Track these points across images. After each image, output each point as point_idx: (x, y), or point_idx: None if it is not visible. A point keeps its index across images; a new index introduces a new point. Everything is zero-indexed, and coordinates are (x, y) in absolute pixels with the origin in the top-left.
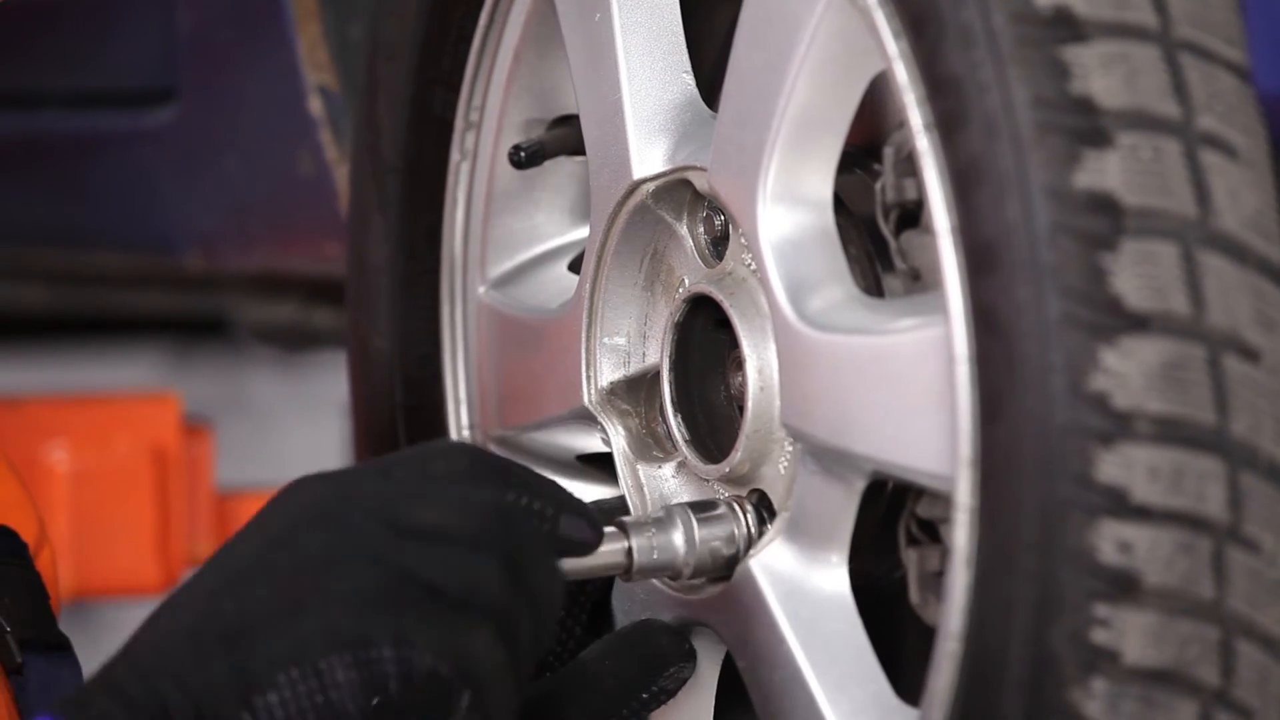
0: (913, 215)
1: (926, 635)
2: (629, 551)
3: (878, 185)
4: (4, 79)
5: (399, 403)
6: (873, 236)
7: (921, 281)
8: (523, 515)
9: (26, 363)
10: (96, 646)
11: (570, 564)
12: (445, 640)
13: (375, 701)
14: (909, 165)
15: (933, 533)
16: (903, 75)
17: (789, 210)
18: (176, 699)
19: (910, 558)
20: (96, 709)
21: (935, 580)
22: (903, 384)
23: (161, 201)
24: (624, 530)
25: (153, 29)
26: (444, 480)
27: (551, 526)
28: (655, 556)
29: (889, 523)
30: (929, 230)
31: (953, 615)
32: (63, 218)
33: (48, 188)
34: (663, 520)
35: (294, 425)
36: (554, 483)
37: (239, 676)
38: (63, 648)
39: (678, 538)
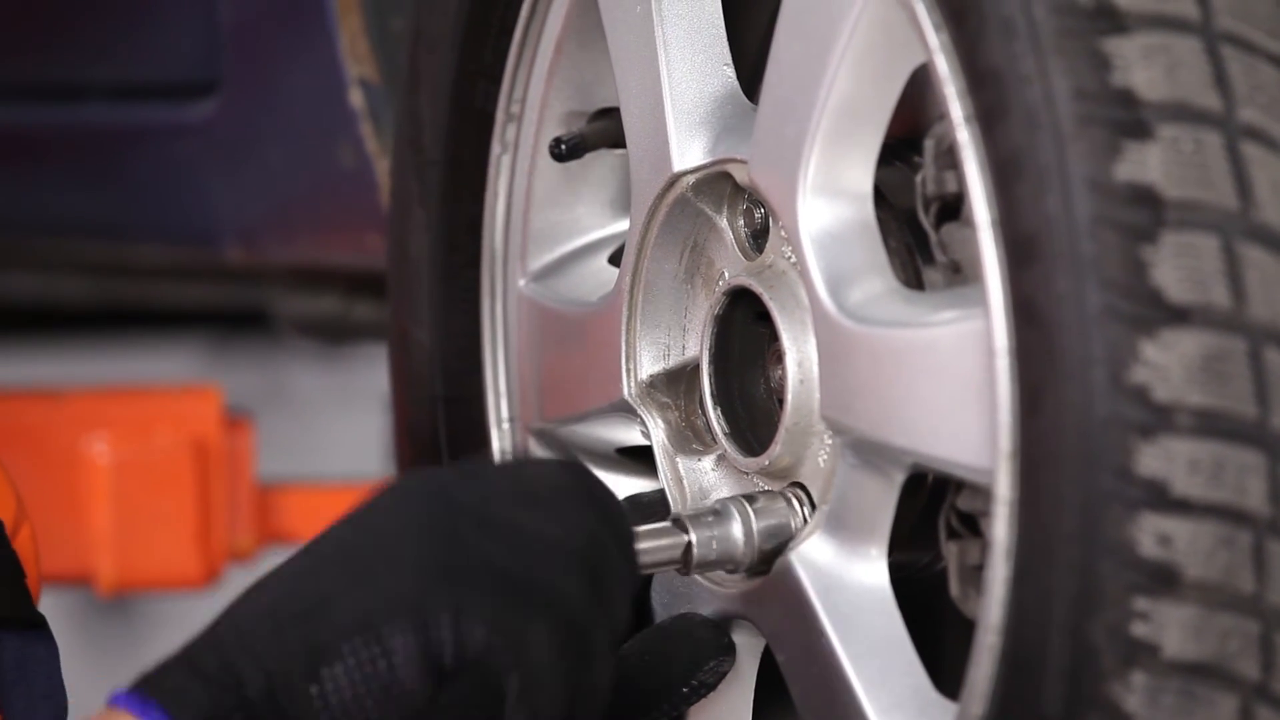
0: (953, 208)
1: (966, 629)
2: (689, 546)
3: (918, 178)
4: (47, 71)
5: (439, 395)
6: (913, 229)
7: (962, 274)
8: (610, 542)
9: (67, 355)
10: (137, 638)
11: None
12: (503, 620)
13: (434, 679)
14: (949, 158)
15: (973, 526)
16: (944, 67)
17: (829, 203)
18: (250, 673)
19: (950, 551)
20: (172, 682)
21: (975, 574)
22: (943, 377)
23: (203, 194)
24: (683, 525)
25: (195, 21)
26: (542, 492)
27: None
28: (714, 549)
29: (929, 516)
30: (969, 223)
31: (992, 608)
32: (104, 210)
33: (89, 180)
34: (721, 513)
35: (335, 418)
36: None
37: (308, 649)
38: (38, 625)
39: (736, 530)
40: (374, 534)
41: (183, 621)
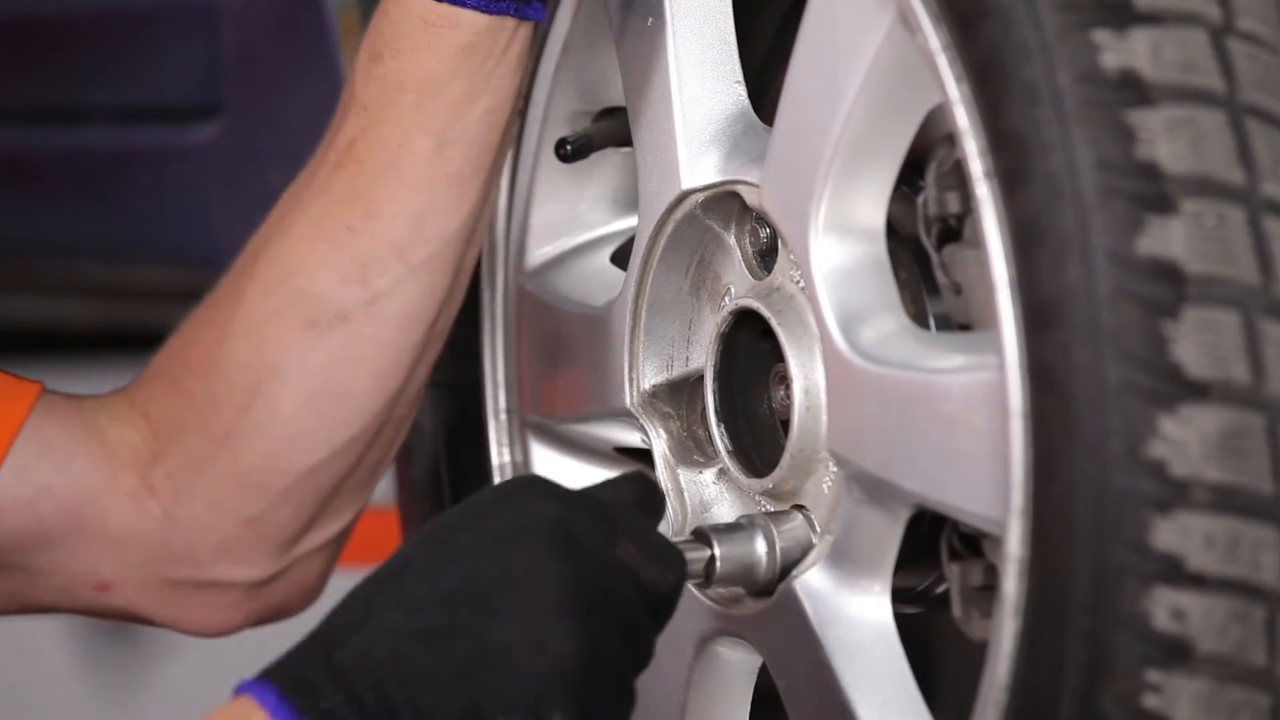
0: (955, 229)
1: (965, 658)
2: (711, 560)
3: (920, 199)
4: (50, 94)
5: (439, 382)
6: (918, 257)
7: (964, 295)
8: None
9: (70, 378)
10: (142, 665)
11: None
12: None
13: None
14: (951, 178)
15: (975, 547)
16: (964, 121)
17: (841, 240)
18: (405, 710)
19: (952, 572)
20: (327, 702)
21: (978, 595)
22: (954, 425)
23: (206, 216)
24: (706, 538)
25: (197, 45)
26: (643, 556)
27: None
28: (737, 565)
29: (931, 537)
30: (971, 243)
31: (1000, 664)
32: (106, 232)
33: (92, 203)
34: (746, 529)
35: None
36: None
37: (466, 707)
38: None
39: (760, 548)
40: (535, 581)
41: (187, 648)
